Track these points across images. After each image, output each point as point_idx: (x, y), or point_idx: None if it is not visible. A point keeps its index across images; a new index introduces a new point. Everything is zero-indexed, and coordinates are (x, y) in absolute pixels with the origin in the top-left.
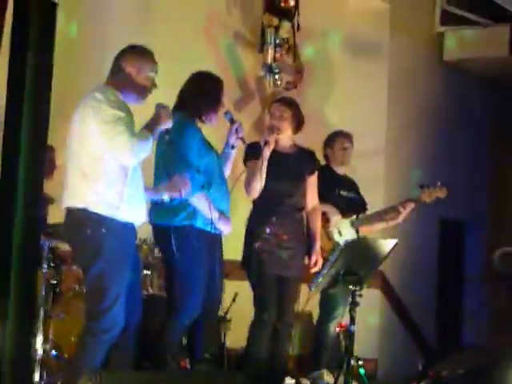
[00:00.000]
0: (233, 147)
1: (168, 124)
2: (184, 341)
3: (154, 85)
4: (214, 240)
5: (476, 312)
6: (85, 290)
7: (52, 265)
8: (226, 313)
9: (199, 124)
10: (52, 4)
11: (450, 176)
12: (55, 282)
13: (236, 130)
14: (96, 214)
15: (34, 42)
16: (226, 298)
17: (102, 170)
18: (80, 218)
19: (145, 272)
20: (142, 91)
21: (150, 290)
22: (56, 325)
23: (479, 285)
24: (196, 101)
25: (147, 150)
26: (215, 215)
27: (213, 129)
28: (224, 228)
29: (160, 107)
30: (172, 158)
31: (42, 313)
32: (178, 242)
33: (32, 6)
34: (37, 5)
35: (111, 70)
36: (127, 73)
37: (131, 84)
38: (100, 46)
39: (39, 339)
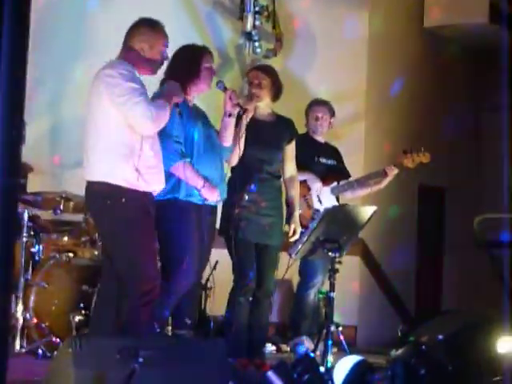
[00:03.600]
0: (230, 115)
1: (180, 98)
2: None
3: (165, 58)
4: (205, 210)
5: (455, 278)
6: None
7: (32, 233)
8: (207, 280)
9: (188, 96)
10: None
11: (430, 141)
12: (35, 250)
13: (230, 97)
14: (114, 185)
15: (8, 13)
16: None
17: (118, 144)
18: (99, 190)
19: None
20: (154, 65)
21: None
22: (36, 293)
23: (459, 251)
24: (175, 74)
25: (165, 117)
26: (199, 183)
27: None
28: (209, 196)
29: (171, 82)
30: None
31: (21, 281)
32: (163, 214)
33: None
34: None
35: (123, 45)
36: (139, 48)
37: (143, 59)
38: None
39: (19, 308)
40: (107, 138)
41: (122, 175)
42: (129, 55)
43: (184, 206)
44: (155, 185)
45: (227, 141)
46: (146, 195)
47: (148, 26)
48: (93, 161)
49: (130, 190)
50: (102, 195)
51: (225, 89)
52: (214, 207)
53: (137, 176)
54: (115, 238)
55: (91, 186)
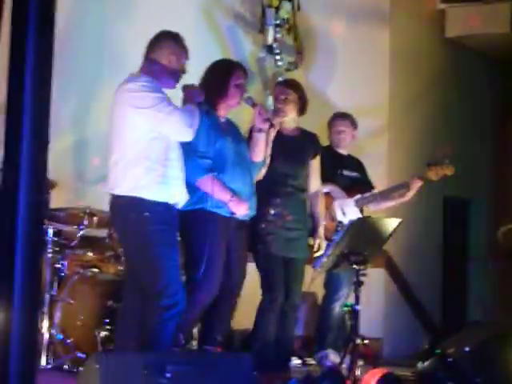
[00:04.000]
0: (260, 130)
1: (201, 98)
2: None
3: (184, 71)
4: (233, 224)
5: (481, 290)
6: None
7: (56, 249)
8: None
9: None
10: None
11: (454, 153)
12: (60, 266)
13: (259, 112)
14: (138, 198)
15: (33, 28)
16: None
17: (142, 157)
18: (122, 204)
19: None
20: (175, 77)
21: None
22: (62, 309)
23: (484, 262)
24: (205, 90)
25: (197, 121)
26: (226, 197)
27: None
28: (237, 210)
29: (187, 87)
30: (182, 145)
31: (47, 297)
32: (189, 225)
33: None
34: None
35: (145, 58)
36: (166, 61)
37: (167, 71)
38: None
39: (45, 323)
40: (130, 151)
41: (145, 188)
42: (151, 68)
43: (211, 217)
44: (178, 196)
45: (258, 156)
46: (170, 208)
47: (171, 39)
48: (116, 175)
49: (153, 203)
50: (125, 209)
51: (254, 104)
52: (242, 221)
53: (160, 189)
54: (138, 252)
55: (115, 200)
